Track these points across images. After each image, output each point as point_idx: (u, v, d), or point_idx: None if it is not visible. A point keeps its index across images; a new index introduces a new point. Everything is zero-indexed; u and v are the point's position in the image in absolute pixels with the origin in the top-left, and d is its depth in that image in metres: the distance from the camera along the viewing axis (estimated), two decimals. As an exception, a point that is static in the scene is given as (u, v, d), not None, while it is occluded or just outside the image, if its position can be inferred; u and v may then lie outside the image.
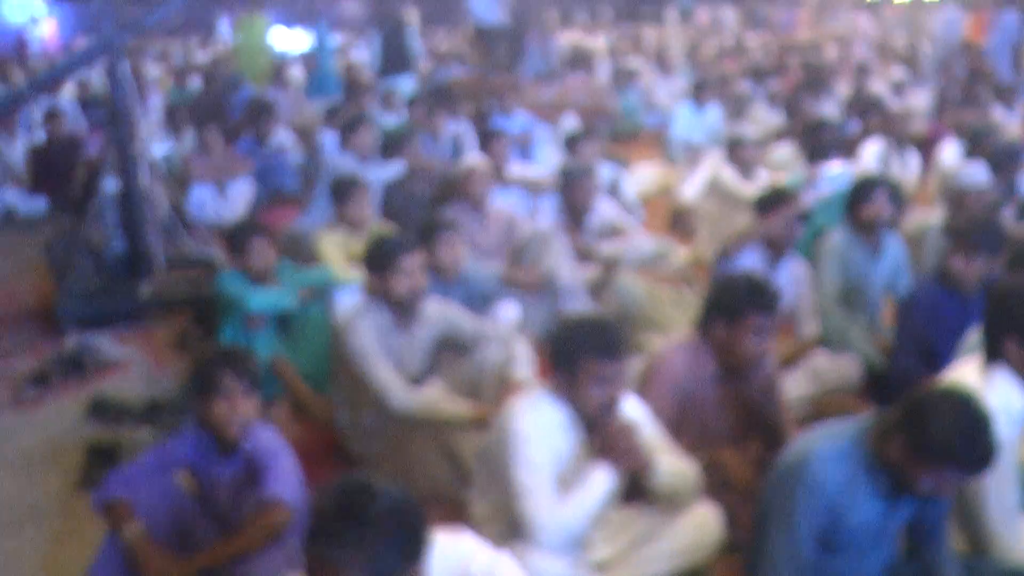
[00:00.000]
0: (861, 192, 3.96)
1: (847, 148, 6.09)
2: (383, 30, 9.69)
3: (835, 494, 2.17)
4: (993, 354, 2.46)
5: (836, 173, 3.56)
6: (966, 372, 2.50)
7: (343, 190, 4.35)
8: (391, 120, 8.06)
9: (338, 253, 4.24)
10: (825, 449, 2.21)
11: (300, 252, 4.62)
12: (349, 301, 3.85)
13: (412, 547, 1.61)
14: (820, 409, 3.65)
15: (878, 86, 10.33)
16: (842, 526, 2.21)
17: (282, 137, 7.62)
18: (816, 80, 9.34)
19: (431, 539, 1.67)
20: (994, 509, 2.36)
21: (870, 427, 2.21)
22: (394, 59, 9.59)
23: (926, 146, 7.00)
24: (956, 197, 4.25)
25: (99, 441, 3.47)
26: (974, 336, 2.89)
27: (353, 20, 26.84)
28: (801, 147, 5.96)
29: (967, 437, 2.02)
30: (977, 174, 4.08)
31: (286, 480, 2.45)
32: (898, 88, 9.82)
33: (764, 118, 8.50)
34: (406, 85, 9.56)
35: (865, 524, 2.23)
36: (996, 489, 2.34)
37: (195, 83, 11.74)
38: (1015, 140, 5.31)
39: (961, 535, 2.51)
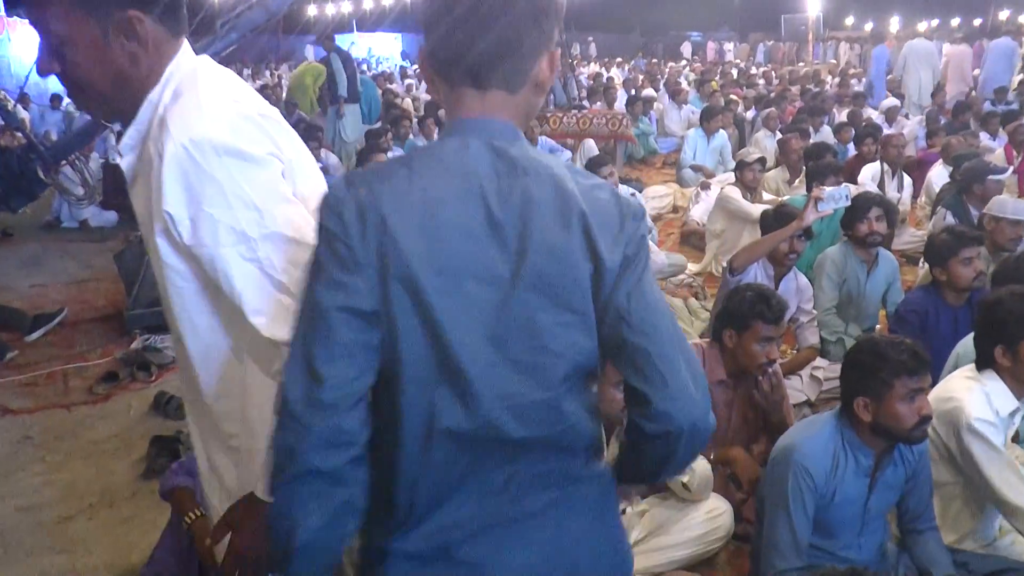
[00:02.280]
0: (857, 211, 3.94)
1: (844, 171, 6.06)
2: (340, 55, 9.31)
3: (822, 476, 2.19)
4: (983, 362, 2.45)
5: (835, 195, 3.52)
6: (959, 378, 2.48)
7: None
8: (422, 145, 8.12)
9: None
10: (808, 436, 2.24)
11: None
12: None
13: None
14: (819, 412, 3.63)
15: (871, 114, 10.27)
16: (832, 505, 2.22)
17: (328, 159, 7.66)
18: (815, 108, 9.30)
19: None
20: (1008, 491, 2.32)
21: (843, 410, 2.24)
22: (350, 88, 9.28)
23: (916, 170, 6.95)
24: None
25: (162, 433, 3.52)
26: (965, 344, 2.86)
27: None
28: (805, 170, 5.93)
29: (899, 347, 2.10)
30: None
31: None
32: (890, 116, 9.75)
33: (766, 144, 8.48)
34: (352, 118, 9.43)
35: (853, 503, 2.24)
36: (1001, 478, 2.31)
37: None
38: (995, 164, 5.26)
39: (949, 529, 2.48)
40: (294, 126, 6.25)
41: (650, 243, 4.68)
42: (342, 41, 12.24)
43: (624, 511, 2.55)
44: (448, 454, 1.12)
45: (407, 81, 17.59)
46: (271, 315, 1.26)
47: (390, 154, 6.68)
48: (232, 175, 1.24)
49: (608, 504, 1.26)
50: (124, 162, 1.36)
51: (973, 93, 10.95)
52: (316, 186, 1.37)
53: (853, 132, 7.67)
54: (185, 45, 1.37)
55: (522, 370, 1.12)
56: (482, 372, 1.10)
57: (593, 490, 1.22)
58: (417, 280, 1.07)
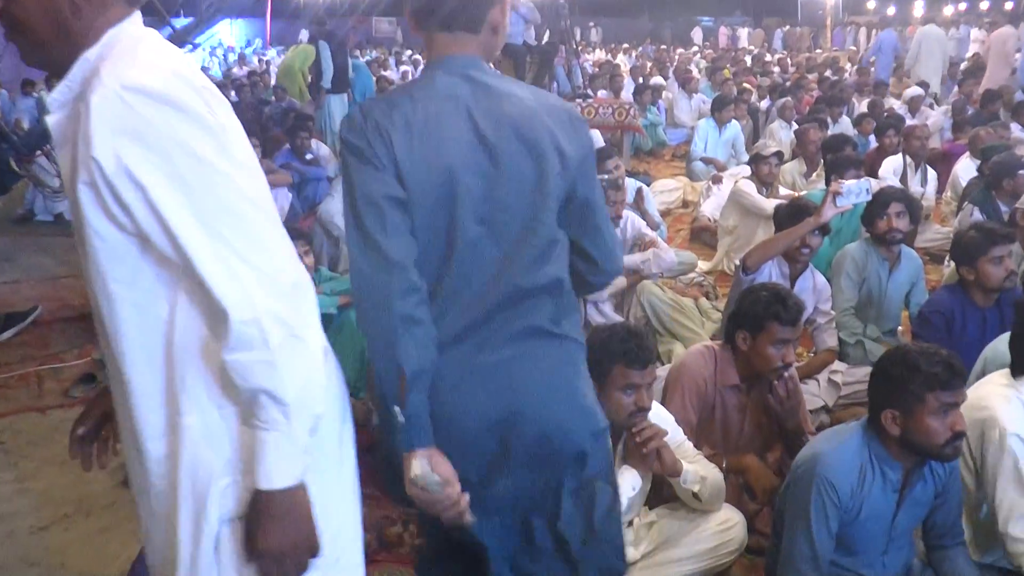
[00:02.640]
0: (877, 206, 3.93)
1: (864, 164, 6.05)
2: (330, 44, 9.25)
3: (847, 490, 2.18)
4: (1020, 368, 2.42)
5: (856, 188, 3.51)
6: (993, 384, 2.46)
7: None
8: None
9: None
10: (833, 448, 2.22)
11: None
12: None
13: None
14: (839, 420, 3.62)
15: (893, 104, 10.27)
16: (857, 522, 2.21)
17: (319, 150, 7.65)
18: (834, 97, 9.29)
19: None
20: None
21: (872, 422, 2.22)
22: (335, 79, 9.26)
23: (941, 164, 6.94)
24: None
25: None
26: (994, 348, 2.86)
27: (386, 39, 27.07)
28: (823, 163, 5.92)
29: (933, 359, 2.06)
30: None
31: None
32: (913, 106, 9.73)
33: (781, 135, 8.48)
34: (338, 107, 9.39)
35: (879, 519, 2.23)
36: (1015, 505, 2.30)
37: (234, 96, 11.93)
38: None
39: (978, 544, 2.47)
40: (283, 114, 6.22)
41: (659, 240, 4.69)
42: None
43: (631, 523, 2.55)
44: (462, 304, 1.59)
45: (402, 68, 17.60)
46: (211, 263, 1.25)
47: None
48: (168, 122, 1.24)
49: (570, 362, 1.68)
50: (52, 120, 1.35)
51: (1015, 75, 10.93)
52: (249, 159, 1.36)
53: (874, 123, 7.69)
54: (136, 16, 1.38)
55: (502, 243, 1.59)
56: (472, 243, 1.58)
57: (555, 347, 1.64)
58: (424, 180, 1.55)
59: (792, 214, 3.80)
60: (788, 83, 12.03)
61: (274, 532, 1.33)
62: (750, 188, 5.50)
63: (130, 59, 1.28)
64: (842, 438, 2.25)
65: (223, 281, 1.25)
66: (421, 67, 17.56)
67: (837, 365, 3.81)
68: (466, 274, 1.58)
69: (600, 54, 22.16)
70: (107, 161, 1.23)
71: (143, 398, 1.37)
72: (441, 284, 1.59)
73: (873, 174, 6.00)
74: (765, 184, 5.60)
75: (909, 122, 7.83)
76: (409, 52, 21.39)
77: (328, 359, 1.47)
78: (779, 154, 5.72)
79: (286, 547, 1.34)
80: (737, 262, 3.73)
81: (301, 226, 5.08)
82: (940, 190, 6.69)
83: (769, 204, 5.09)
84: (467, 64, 1.63)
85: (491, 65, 1.71)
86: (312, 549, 1.37)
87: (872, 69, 13.88)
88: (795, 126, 8.30)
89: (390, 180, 1.54)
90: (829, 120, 8.19)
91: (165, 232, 1.25)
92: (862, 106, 9.98)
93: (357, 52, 18.94)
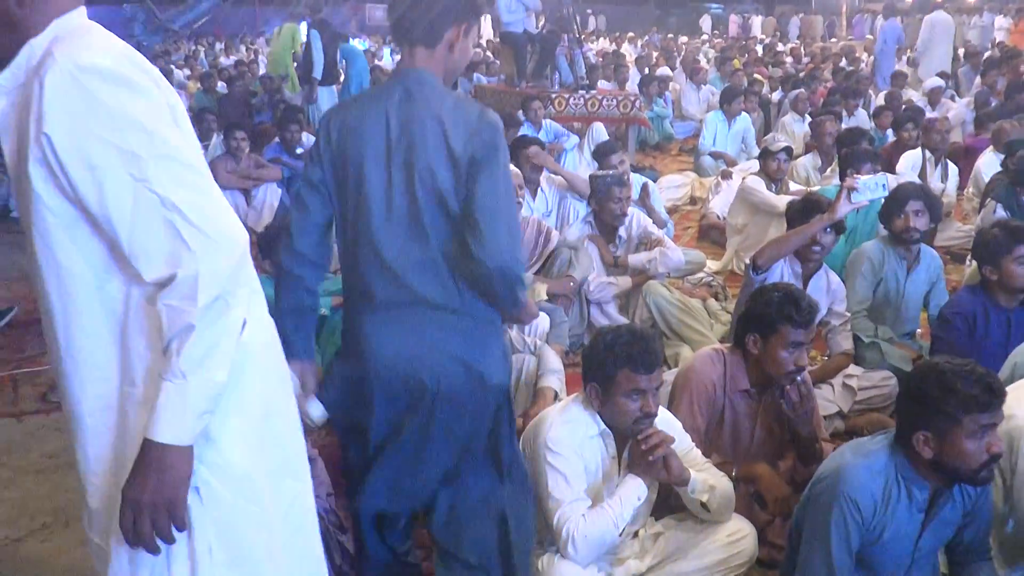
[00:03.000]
0: (895, 204, 3.94)
1: (881, 159, 6.06)
2: (322, 35, 9.22)
3: (870, 509, 2.17)
4: None
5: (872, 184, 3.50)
6: (1022, 391, 2.46)
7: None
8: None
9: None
10: (858, 464, 2.20)
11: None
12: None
13: None
14: (855, 427, 3.63)
15: (912, 96, 10.27)
16: (879, 542, 2.20)
17: (311, 143, 7.65)
18: (849, 89, 9.29)
19: None
20: None
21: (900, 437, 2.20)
22: (325, 71, 9.26)
23: (963, 158, 6.95)
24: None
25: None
26: (1022, 351, 2.86)
27: (380, 26, 27.07)
28: (837, 157, 5.92)
29: (970, 379, 2.02)
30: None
31: (315, 488, 2.45)
32: (933, 98, 9.74)
33: (793, 128, 8.49)
34: (328, 100, 9.40)
35: (903, 540, 2.22)
36: None
37: (222, 87, 11.93)
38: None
39: (1005, 559, 2.48)
40: (274, 105, 6.23)
41: (665, 239, 4.70)
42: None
43: (636, 534, 2.55)
44: (368, 275, 2.08)
45: (396, 57, 17.59)
46: (157, 248, 1.39)
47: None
48: (120, 100, 1.37)
49: (473, 329, 2.10)
50: None
51: None
52: (192, 137, 1.51)
53: (892, 116, 7.69)
54: (82, 9, 1.50)
55: (402, 228, 2.04)
56: (379, 227, 2.04)
57: (462, 319, 2.08)
58: (343, 167, 2.08)
59: (805, 211, 3.80)
60: (801, 74, 12.05)
61: (143, 483, 1.43)
62: (758, 184, 5.51)
63: (81, 43, 1.39)
64: (867, 453, 2.23)
65: (169, 242, 1.38)
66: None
67: (852, 369, 3.81)
68: (373, 243, 2.05)
69: (604, 43, 22.18)
70: (60, 138, 1.34)
71: (92, 371, 1.47)
72: (357, 250, 2.09)
73: (891, 169, 6.00)
74: (774, 180, 5.61)
75: (929, 115, 7.84)
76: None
77: (265, 331, 1.64)
78: (788, 150, 5.72)
79: (148, 502, 1.43)
80: (747, 261, 3.72)
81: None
82: (962, 186, 6.69)
83: (780, 201, 5.10)
84: (410, 76, 2.05)
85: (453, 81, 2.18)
86: (174, 515, 1.45)
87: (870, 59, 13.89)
88: (808, 119, 8.33)
89: (315, 168, 2.11)
90: (844, 113, 8.20)
91: (109, 206, 1.37)
92: (879, 98, 9.99)
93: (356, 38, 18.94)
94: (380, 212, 2.04)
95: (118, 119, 1.36)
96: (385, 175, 2.03)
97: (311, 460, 2.56)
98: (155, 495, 1.42)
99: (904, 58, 14.26)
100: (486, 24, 21.09)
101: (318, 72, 9.20)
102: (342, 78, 10.28)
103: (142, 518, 1.44)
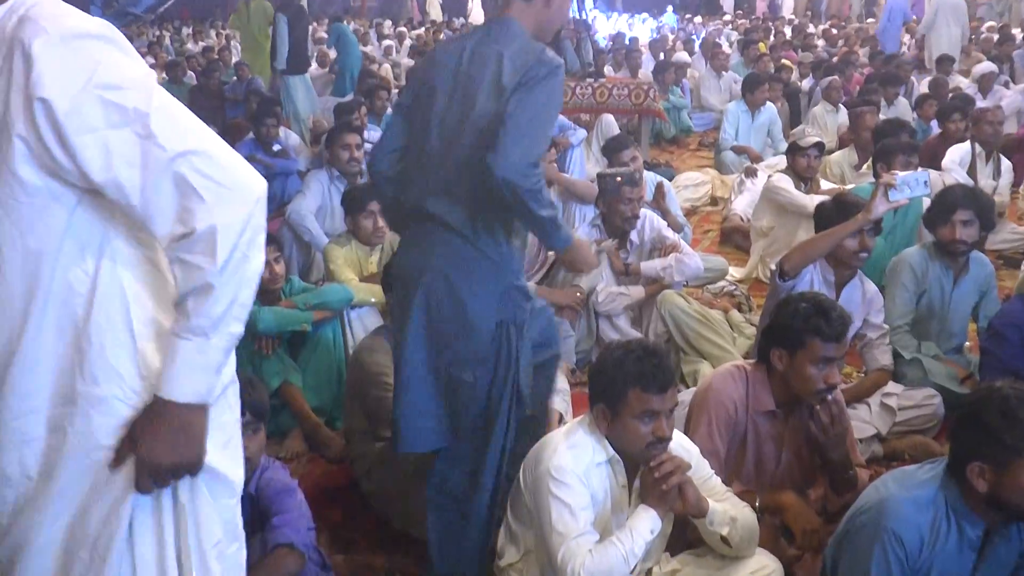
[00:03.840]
0: (940, 211, 3.95)
1: (925, 154, 6.06)
2: (287, 14, 9.07)
3: (916, 547, 2.18)
4: None
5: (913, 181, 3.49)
6: None
7: (356, 201, 4.41)
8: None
9: (352, 270, 4.31)
10: (903, 496, 2.21)
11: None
12: (370, 322, 3.94)
13: None
14: (894, 451, 3.65)
15: (960, 82, 10.26)
16: None
17: (288, 139, 7.67)
18: (889, 75, 9.30)
19: None
20: None
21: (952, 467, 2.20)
22: (292, 57, 9.13)
23: (1018, 152, 6.94)
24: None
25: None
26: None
27: (371, 6, 27.17)
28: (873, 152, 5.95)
29: None
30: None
31: (296, 523, 2.50)
32: (984, 85, 9.70)
33: (825, 120, 8.50)
34: (298, 92, 9.31)
35: None
36: None
37: (190, 78, 11.98)
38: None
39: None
40: (246, 96, 6.26)
41: (682, 243, 4.72)
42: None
43: (650, 572, 2.57)
44: (410, 191, 2.61)
45: (385, 42, 17.66)
46: (169, 204, 1.46)
47: (366, 134, 6.70)
48: (115, 59, 1.46)
49: (475, 260, 2.51)
50: None
51: None
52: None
53: (937, 105, 7.66)
54: None
55: (443, 152, 2.53)
56: (426, 149, 2.56)
57: (467, 248, 2.50)
58: (419, 94, 2.63)
59: (838, 211, 3.78)
60: (834, 59, 12.06)
61: (163, 445, 1.50)
62: (786, 183, 5.52)
63: (57, 12, 1.47)
64: (914, 484, 2.23)
65: (182, 197, 1.46)
66: (406, 41, 17.57)
67: (891, 387, 3.83)
68: (420, 162, 2.58)
69: (615, 25, 22.24)
70: (60, 102, 1.40)
71: (41, 364, 1.51)
72: (408, 168, 2.63)
73: (936, 165, 5.99)
74: (803, 179, 5.63)
75: (979, 104, 7.80)
76: (390, 23, 21.47)
77: None
78: (819, 145, 5.74)
79: (170, 463, 1.51)
80: (773, 268, 3.75)
81: (268, 228, 5.10)
82: (1016, 183, 6.66)
83: (810, 201, 5.12)
84: (498, 21, 2.59)
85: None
86: (194, 470, 1.55)
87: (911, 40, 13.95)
88: (842, 110, 8.34)
89: (405, 93, 2.87)
90: (883, 102, 8.20)
91: (116, 167, 1.44)
92: (923, 85, 9.99)
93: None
94: (431, 135, 2.55)
95: (116, 77, 1.44)
96: (444, 102, 2.54)
97: (290, 491, 2.60)
98: (178, 456, 1.52)
99: (908, 38, 14.32)
100: (476, 5, 21.17)
101: (281, 61, 9.10)
102: (326, 64, 10.13)
103: (163, 482, 1.54)
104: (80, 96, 1.41)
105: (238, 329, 1.55)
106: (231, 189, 1.49)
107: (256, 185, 1.54)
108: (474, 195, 2.46)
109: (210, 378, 1.53)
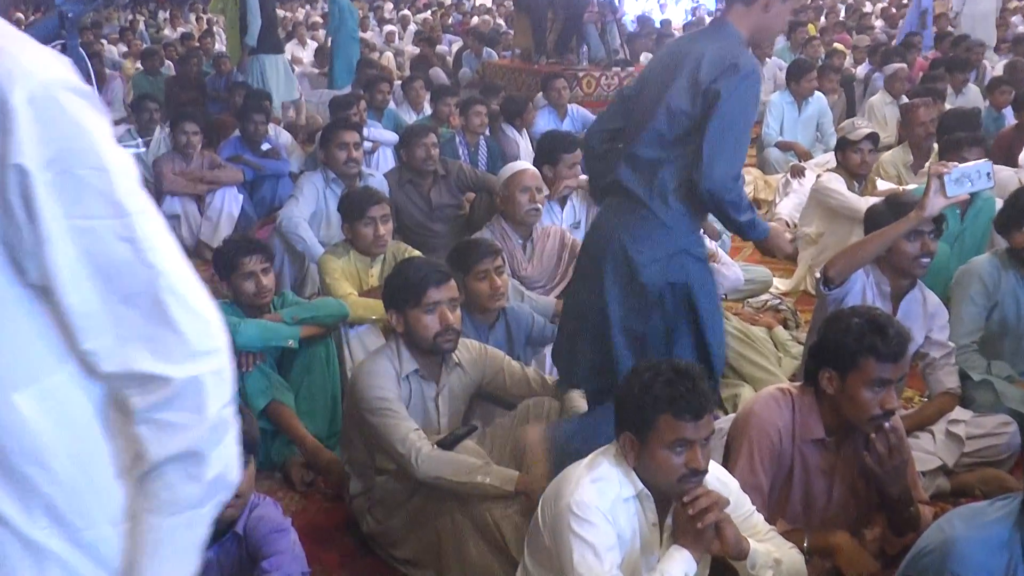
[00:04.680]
0: (1017, 211, 3.95)
1: (998, 148, 6.03)
2: None
3: None
4: None
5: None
6: None
7: (355, 206, 4.43)
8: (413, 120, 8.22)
9: (350, 283, 4.33)
10: (972, 539, 2.20)
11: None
12: (371, 342, 3.97)
13: None
14: (962, 486, 3.64)
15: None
16: None
17: (279, 137, 7.71)
18: (956, 59, 9.24)
19: None
20: None
21: None
22: (264, 35, 8.99)
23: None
24: None
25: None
26: None
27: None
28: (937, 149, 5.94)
29: None
30: None
31: (288, 566, 2.52)
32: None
33: (884, 112, 8.45)
34: (273, 74, 9.23)
35: None
36: None
37: (168, 68, 12.05)
38: None
39: None
40: (229, 89, 6.27)
41: (720, 252, 4.74)
42: None
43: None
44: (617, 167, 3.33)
45: (386, 28, 17.74)
46: (139, 332, 1.29)
47: (366, 131, 6.74)
48: (98, 126, 1.29)
49: (649, 229, 3.16)
50: None
51: None
52: None
53: (1012, 92, 7.56)
54: None
55: (642, 132, 3.19)
56: (630, 129, 3.31)
57: (650, 216, 3.15)
58: (643, 81, 3.42)
59: (892, 214, 3.74)
60: (894, 41, 11.99)
61: None
62: (838, 184, 5.49)
63: (18, 42, 1.28)
64: (985, 523, 2.21)
65: (157, 326, 1.29)
66: (410, 26, 17.61)
67: (959, 413, 3.81)
68: (626, 142, 3.32)
69: (643, 6, 22.29)
70: (37, 170, 1.23)
71: None
72: (619, 147, 3.39)
73: (1011, 161, 5.95)
74: (856, 177, 5.59)
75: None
76: (391, 6, 21.57)
77: None
78: (873, 137, 5.66)
79: None
80: (817, 275, 3.74)
81: (257, 236, 5.11)
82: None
83: (865, 203, 5.09)
84: (715, 22, 3.31)
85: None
86: None
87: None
88: (905, 100, 8.29)
89: (633, 84, 3.62)
90: (950, 90, 8.14)
91: (83, 270, 1.26)
92: (997, 69, 9.91)
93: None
94: (636, 118, 3.25)
95: (100, 151, 1.27)
96: (653, 91, 3.19)
97: (283, 531, 2.63)
98: None
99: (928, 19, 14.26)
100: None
101: (252, 37, 9.00)
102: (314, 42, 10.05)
103: None
104: (61, 170, 1.24)
105: (235, 481, 1.41)
106: (211, 323, 1.34)
107: (225, 336, 1.37)
108: (652, 164, 3.14)
109: (195, 554, 1.39)
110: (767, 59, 11.57)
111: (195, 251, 6.46)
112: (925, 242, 3.64)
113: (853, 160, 5.59)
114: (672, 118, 3.09)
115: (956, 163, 3.55)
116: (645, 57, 11.07)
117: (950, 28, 13.21)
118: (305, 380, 3.92)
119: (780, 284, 5.62)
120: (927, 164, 6.34)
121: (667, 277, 3.15)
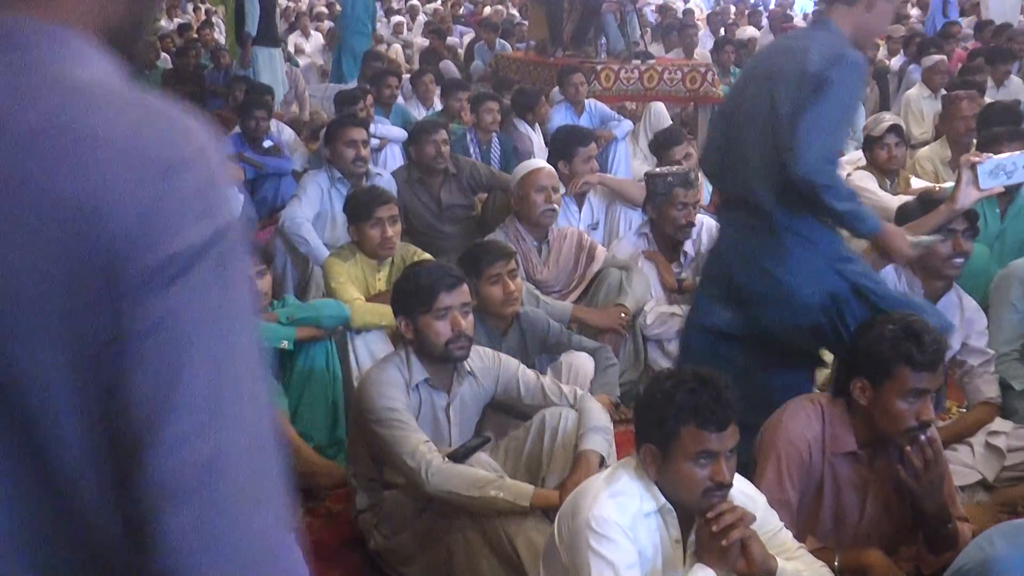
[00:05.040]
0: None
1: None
2: None
3: None
4: None
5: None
6: None
7: (361, 207, 4.45)
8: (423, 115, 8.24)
9: (356, 288, 4.34)
10: (1014, 557, 2.21)
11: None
12: (378, 350, 3.99)
13: None
14: (1003, 501, 3.64)
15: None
16: None
17: (282, 134, 7.73)
18: (998, 50, 9.20)
19: None
20: None
21: None
22: (262, 25, 9.11)
23: None
24: None
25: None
26: None
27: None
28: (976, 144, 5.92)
29: None
30: None
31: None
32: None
33: (921, 107, 8.42)
34: (267, 69, 9.26)
35: None
36: None
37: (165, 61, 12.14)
38: None
39: None
40: (228, 83, 6.34)
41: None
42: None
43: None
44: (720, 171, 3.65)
45: (394, 19, 17.77)
46: None
47: (373, 128, 6.75)
48: None
49: (771, 243, 3.29)
50: None
51: None
52: None
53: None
54: None
55: (742, 132, 3.37)
56: (730, 129, 3.49)
57: (764, 230, 3.29)
58: (739, 88, 3.71)
59: (923, 212, 3.77)
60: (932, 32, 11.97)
61: None
62: (869, 182, 5.47)
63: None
64: None
65: None
66: (420, 17, 17.63)
67: (999, 424, 3.82)
68: (723, 142, 3.53)
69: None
70: None
71: None
72: (718, 150, 3.59)
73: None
74: (886, 174, 5.57)
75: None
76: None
77: None
78: (896, 129, 5.63)
79: None
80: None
81: (258, 237, 5.14)
82: None
83: (896, 203, 5.09)
84: (814, 22, 3.46)
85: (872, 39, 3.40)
86: None
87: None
88: (944, 94, 8.25)
89: (729, 94, 4.54)
90: (991, 83, 8.11)
91: None
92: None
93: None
94: (736, 118, 3.39)
95: None
96: (753, 91, 3.33)
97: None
98: None
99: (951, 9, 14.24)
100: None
101: (252, 26, 9.09)
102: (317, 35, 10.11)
103: None
104: None
105: None
106: None
107: None
108: (772, 176, 3.19)
109: None
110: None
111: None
112: (958, 240, 3.65)
113: (880, 156, 5.58)
114: (782, 127, 3.13)
115: (991, 154, 3.53)
116: (676, 54, 11.10)
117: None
118: (306, 386, 3.94)
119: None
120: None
121: (824, 287, 3.26)
